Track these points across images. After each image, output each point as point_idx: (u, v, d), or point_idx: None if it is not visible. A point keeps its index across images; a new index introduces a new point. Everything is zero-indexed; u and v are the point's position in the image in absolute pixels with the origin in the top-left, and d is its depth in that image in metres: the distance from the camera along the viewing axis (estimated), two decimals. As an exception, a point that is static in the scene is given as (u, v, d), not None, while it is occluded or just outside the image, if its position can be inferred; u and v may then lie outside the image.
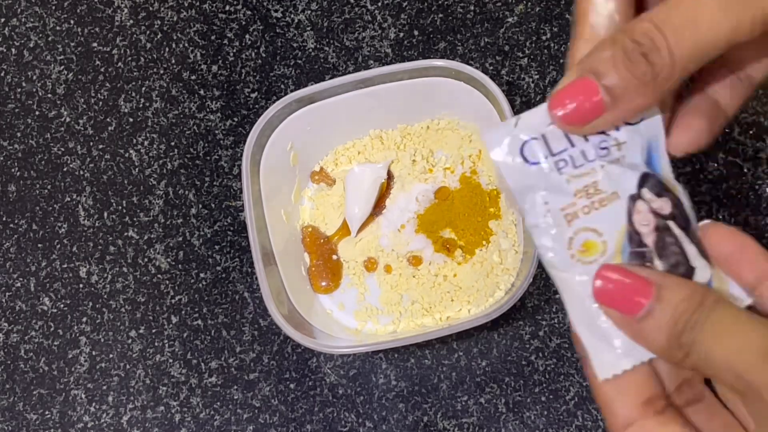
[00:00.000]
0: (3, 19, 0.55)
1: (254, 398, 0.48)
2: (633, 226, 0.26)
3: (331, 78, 0.49)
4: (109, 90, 0.53)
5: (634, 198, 0.27)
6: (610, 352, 0.26)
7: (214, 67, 0.53)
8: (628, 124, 0.26)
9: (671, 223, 0.27)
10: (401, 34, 0.52)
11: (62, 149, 0.52)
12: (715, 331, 0.22)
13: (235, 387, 0.48)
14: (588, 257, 0.26)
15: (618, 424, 0.25)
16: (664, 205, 0.27)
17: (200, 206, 0.51)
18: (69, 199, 0.52)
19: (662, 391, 0.26)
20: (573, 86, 0.24)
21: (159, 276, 0.50)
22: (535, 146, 0.27)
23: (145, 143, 0.52)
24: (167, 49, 0.53)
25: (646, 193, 0.27)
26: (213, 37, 0.53)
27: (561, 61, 0.50)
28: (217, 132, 0.52)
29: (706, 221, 0.27)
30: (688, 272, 0.26)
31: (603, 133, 0.26)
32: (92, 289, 0.50)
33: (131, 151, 0.52)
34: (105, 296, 0.50)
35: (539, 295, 0.47)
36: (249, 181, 0.44)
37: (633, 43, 0.23)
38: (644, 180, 0.27)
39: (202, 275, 0.50)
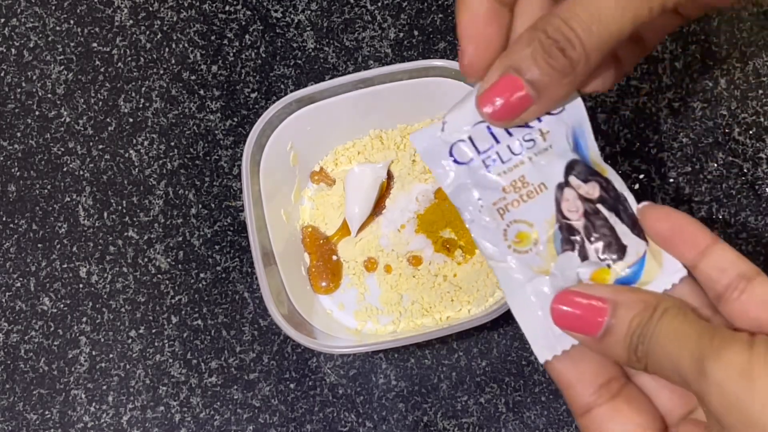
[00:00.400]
0: (3, 19, 0.55)
1: (254, 398, 0.48)
2: (562, 214, 0.28)
3: (331, 78, 0.49)
4: (109, 90, 0.53)
5: (562, 186, 0.28)
6: (546, 336, 0.27)
7: (214, 67, 0.53)
8: (550, 114, 0.27)
9: (600, 206, 0.27)
10: (401, 34, 0.52)
11: (62, 149, 0.52)
12: (661, 342, 0.24)
13: (235, 387, 0.48)
14: (523, 247, 0.28)
15: (577, 412, 0.26)
16: (592, 190, 0.28)
17: (200, 206, 0.51)
18: (69, 199, 0.52)
19: (618, 371, 0.27)
20: (499, 84, 0.26)
21: (159, 276, 0.50)
22: (463, 147, 0.28)
23: (145, 143, 0.52)
24: (167, 49, 0.53)
25: (573, 180, 0.28)
26: (213, 37, 0.53)
27: (561, 61, 0.50)
28: (217, 132, 0.52)
29: (644, 203, 0.27)
30: (621, 251, 0.27)
31: (527, 125, 0.28)
32: (92, 289, 0.50)
33: (131, 151, 0.52)
34: (105, 296, 0.50)
35: (539, 295, 0.47)
36: (249, 181, 0.44)
37: (549, 39, 0.24)
38: (571, 167, 0.28)
39: (202, 275, 0.50)
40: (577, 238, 0.27)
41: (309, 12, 0.53)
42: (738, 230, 0.47)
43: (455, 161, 0.28)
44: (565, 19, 0.24)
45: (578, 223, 0.27)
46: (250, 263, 0.49)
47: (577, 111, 0.27)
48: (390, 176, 0.49)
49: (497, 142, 0.28)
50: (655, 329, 0.24)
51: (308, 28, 0.53)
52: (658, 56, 0.50)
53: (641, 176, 0.48)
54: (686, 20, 0.29)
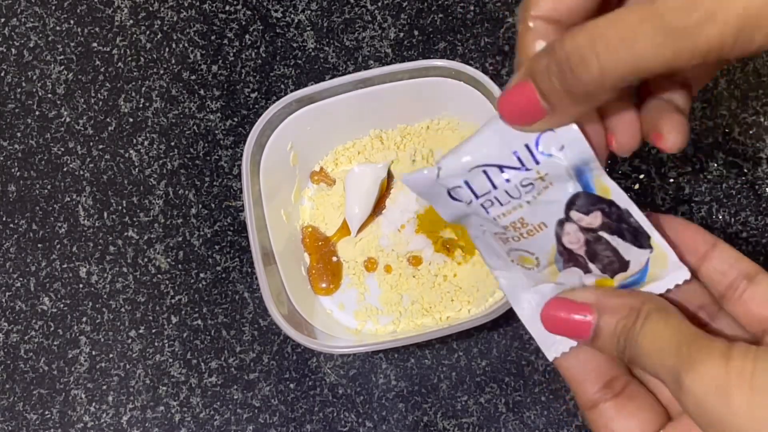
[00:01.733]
0: (3, 19, 0.55)
1: (254, 398, 0.48)
2: (563, 246, 0.28)
3: (331, 78, 0.49)
4: (109, 90, 0.53)
5: (563, 222, 0.28)
6: (553, 335, 0.28)
7: (214, 67, 0.53)
8: (547, 155, 0.27)
9: (602, 233, 0.27)
10: (401, 34, 0.52)
11: (62, 149, 0.52)
12: (643, 348, 0.24)
13: (235, 387, 0.48)
14: (527, 265, 0.28)
15: (584, 406, 0.27)
16: (594, 220, 0.28)
17: (200, 206, 0.51)
18: (69, 199, 0.52)
19: (623, 369, 0.28)
20: (516, 90, 0.25)
21: (159, 276, 0.50)
22: (461, 192, 0.28)
23: (145, 143, 0.52)
24: (167, 49, 0.53)
25: (574, 214, 0.28)
26: (213, 37, 0.53)
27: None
28: (217, 132, 0.52)
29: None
30: (623, 266, 0.27)
31: (524, 168, 0.27)
32: (92, 289, 0.50)
33: (131, 151, 0.52)
34: (105, 296, 0.50)
35: (539, 295, 0.47)
36: (249, 181, 0.44)
37: (564, 56, 0.23)
38: (572, 202, 0.28)
39: (202, 275, 0.50)
40: (579, 259, 0.28)
41: (309, 12, 0.53)
42: (738, 230, 0.47)
43: (454, 199, 0.28)
44: (593, 36, 0.22)
45: (580, 250, 0.28)
46: (250, 263, 0.49)
47: (578, 144, 0.26)
48: (390, 176, 0.49)
49: (494, 187, 0.27)
50: (638, 335, 0.24)
51: (308, 28, 0.53)
52: (658, 56, 0.50)
53: (641, 176, 0.48)
54: (728, 63, 0.28)
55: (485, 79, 0.43)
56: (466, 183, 0.27)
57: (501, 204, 0.28)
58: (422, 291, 0.47)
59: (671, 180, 0.48)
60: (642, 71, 0.22)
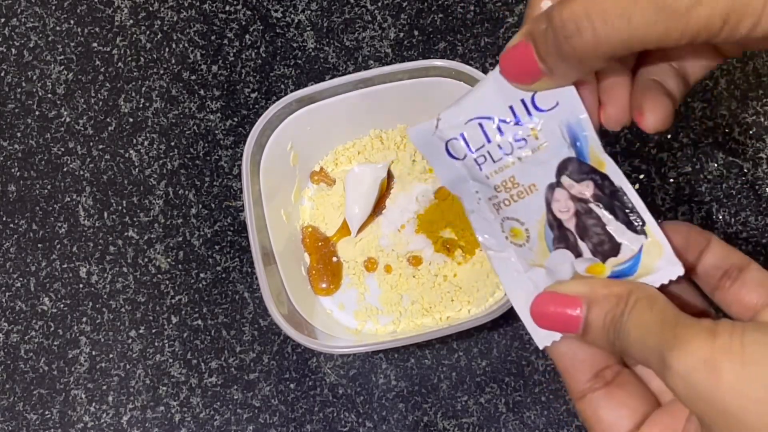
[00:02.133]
0: (3, 19, 0.55)
1: (254, 398, 0.48)
2: (552, 214, 0.28)
3: (331, 78, 0.49)
4: (109, 90, 0.53)
5: (553, 186, 0.28)
6: None
7: (214, 67, 0.53)
8: (542, 110, 0.27)
9: (593, 205, 0.27)
10: (401, 34, 0.52)
11: (62, 149, 0.52)
12: (631, 336, 0.24)
13: (235, 387, 0.48)
14: (518, 241, 0.28)
15: (575, 396, 0.27)
16: (585, 189, 0.27)
17: (200, 206, 0.51)
18: (69, 199, 0.52)
19: (614, 358, 0.28)
20: (516, 49, 0.26)
21: (159, 276, 0.50)
22: (456, 145, 0.28)
23: (145, 143, 0.52)
24: (167, 49, 0.53)
25: (565, 180, 0.28)
26: (213, 37, 0.53)
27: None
28: (217, 132, 0.52)
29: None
30: (614, 249, 0.27)
31: (518, 122, 0.27)
32: (92, 289, 0.50)
33: (131, 151, 0.52)
34: (105, 296, 0.50)
35: (539, 295, 0.47)
36: (249, 181, 0.44)
37: (561, 23, 0.24)
38: (564, 167, 0.28)
39: (202, 275, 0.50)
40: (569, 236, 0.28)
41: (309, 12, 0.53)
42: (738, 230, 0.47)
43: (451, 156, 0.28)
44: (587, 6, 0.23)
45: (570, 222, 0.27)
46: (250, 263, 0.49)
47: (572, 103, 0.27)
48: (390, 176, 0.49)
49: (488, 141, 0.28)
50: (625, 323, 0.25)
51: (308, 28, 0.53)
52: (658, 56, 0.50)
53: (641, 176, 0.48)
54: (724, 59, 0.29)
55: (485, 79, 0.43)
56: (462, 136, 0.28)
57: (494, 160, 0.28)
58: (422, 291, 0.47)
59: (671, 180, 0.48)
60: (634, 45, 0.23)
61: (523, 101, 0.27)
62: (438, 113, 0.28)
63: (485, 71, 0.50)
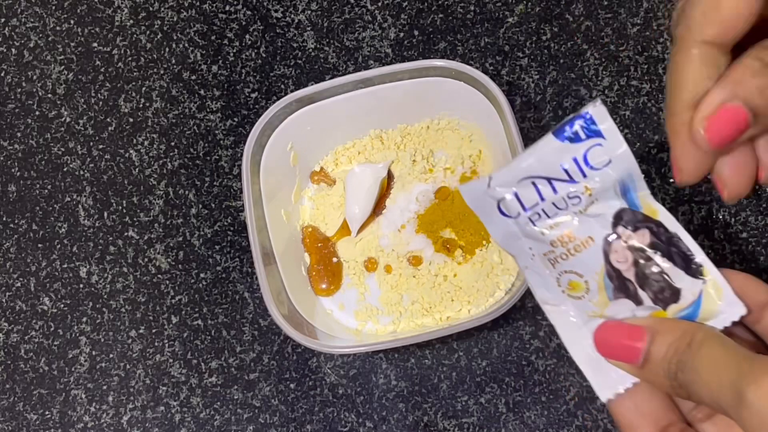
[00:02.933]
0: (3, 19, 0.55)
1: (254, 398, 0.48)
2: (611, 265, 0.28)
3: (331, 78, 0.49)
4: (109, 90, 0.53)
5: (610, 238, 0.28)
6: (607, 375, 0.27)
7: (214, 67, 0.53)
8: (595, 168, 0.27)
9: (651, 252, 0.28)
10: (401, 34, 0.52)
11: (62, 149, 0.52)
12: (699, 370, 0.24)
13: (235, 387, 0.48)
14: (576, 293, 0.28)
15: None
16: (642, 238, 0.28)
17: (200, 206, 0.51)
18: (69, 199, 0.52)
19: (677, 416, 0.27)
20: (722, 113, 0.24)
21: (159, 276, 0.50)
22: (509, 203, 0.28)
23: (145, 143, 0.52)
24: (167, 49, 0.53)
25: (621, 230, 0.28)
26: (213, 37, 0.53)
27: (561, 61, 0.50)
28: (217, 132, 0.52)
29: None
30: (674, 295, 0.27)
31: (571, 180, 0.28)
32: (92, 289, 0.50)
33: (131, 151, 0.52)
34: (105, 296, 0.50)
35: (539, 295, 0.47)
36: (249, 181, 0.44)
37: None
38: (619, 217, 0.28)
39: (202, 275, 0.50)
40: (629, 286, 0.28)
41: (309, 12, 0.53)
42: (738, 230, 0.47)
43: (503, 214, 0.29)
44: None
45: (629, 272, 0.28)
46: (250, 263, 0.49)
47: (624, 160, 0.27)
48: (390, 176, 0.49)
49: (542, 199, 0.28)
50: (693, 358, 0.24)
51: (308, 28, 0.53)
52: (658, 56, 0.50)
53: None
54: None
55: (485, 79, 0.43)
56: (515, 194, 0.28)
57: (548, 216, 0.28)
58: (422, 291, 0.47)
59: (671, 180, 0.48)
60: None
61: (575, 160, 0.27)
62: (489, 176, 0.29)
63: (485, 71, 0.50)
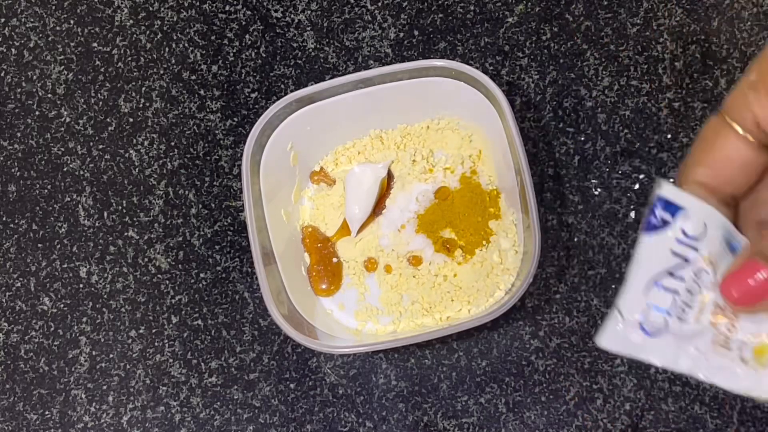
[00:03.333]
0: (3, 19, 0.55)
1: (254, 398, 0.48)
2: None
3: (331, 78, 0.49)
4: (109, 90, 0.53)
5: None
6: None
7: (214, 67, 0.53)
8: (698, 239, 0.28)
9: None
10: (401, 34, 0.52)
11: (62, 149, 0.52)
12: None
13: (235, 387, 0.48)
14: (765, 358, 0.28)
15: None
16: None
17: (200, 206, 0.51)
18: (69, 199, 0.52)
19: None
20: (745, 270, 0.26)
21: (159, 276, 0.50)
22: (653, 319, 0.28)
23: (145, 143, 0.52)
24: (167, 49, 0.53)
25: None
26: (213, 37, 0.53)
27: (561, 61, 0.50)
28: (217, 132, 0.52)
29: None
30: None
31: (686, 260, 0.28)
32: (92, 289, 0.50)
33: (131, 151, 0.52)
34: (105, 296, 0.50)
35: (539, 295, 0.47)
36: (249, 181, 0.44)
37: None
38: None
39: (202, 275, 0.50)
40: None
41: (309, 12, 0.53)
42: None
43: (651, 336, 0.28)
44: None
45: None
46: (250, 263, 0.49)
47: (715, 218, 0.28)
48: (390, 176, 0.49)
49: (677, 294, 0.28)
50: None
51: (308, 28, 0.53)
52: (658, 56, 0.50)
53: (641, 176, 0.48)
54: None
55: (485, 79, 0.43)
56: (652, 306, 0.28)
57: (690, 306, 0.28)
58: (422, 291, 0.47)
59: (672, 180, 0.48)
60: None
61: (678, 240, 0.28)
62: (614, 308, 0.28)
63: (485, 71, 0.50)
